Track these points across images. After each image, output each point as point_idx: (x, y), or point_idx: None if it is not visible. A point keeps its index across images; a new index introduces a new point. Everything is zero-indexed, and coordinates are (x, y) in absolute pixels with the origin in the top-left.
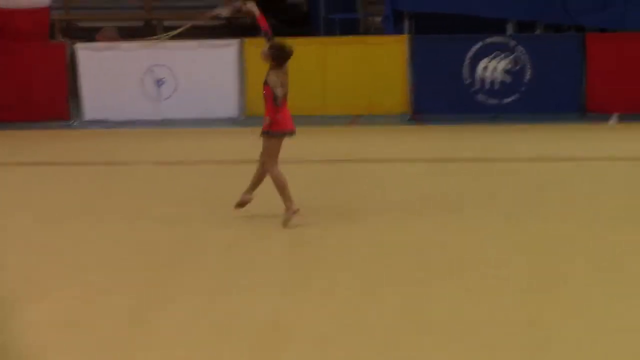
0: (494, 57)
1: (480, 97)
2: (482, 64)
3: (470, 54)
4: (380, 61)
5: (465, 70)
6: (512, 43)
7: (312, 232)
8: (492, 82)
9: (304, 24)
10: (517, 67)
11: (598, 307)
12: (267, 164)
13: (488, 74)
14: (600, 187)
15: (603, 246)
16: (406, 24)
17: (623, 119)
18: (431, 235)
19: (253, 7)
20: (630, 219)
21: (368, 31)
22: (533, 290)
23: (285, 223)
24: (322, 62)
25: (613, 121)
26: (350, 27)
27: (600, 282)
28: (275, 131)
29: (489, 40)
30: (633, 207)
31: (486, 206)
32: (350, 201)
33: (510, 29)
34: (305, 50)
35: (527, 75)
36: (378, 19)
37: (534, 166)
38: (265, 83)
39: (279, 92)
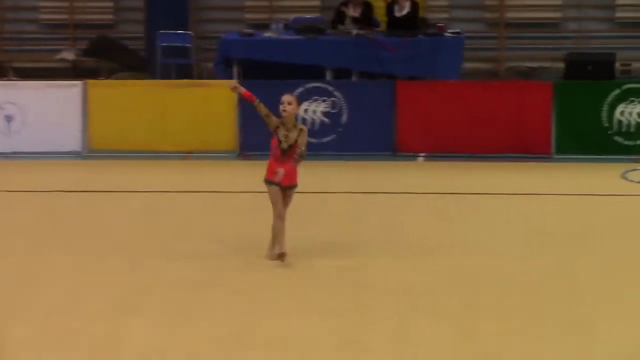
0: (314, 101)
1: None
2: (303, 106)
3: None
4: (212, 103)
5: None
6: (330, 88)
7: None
8: (312, 123)
9: (143, 69)
10: (335, 110)
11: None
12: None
13: (308, 115)
14: (406, 216)
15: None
16: (235, 70)
17: (430, 158)
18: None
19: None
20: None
21: (201, 76)
22: None
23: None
24: (160, 102)
25: (421, 160)
26: (184, 72)
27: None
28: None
29: (309, 85)
30: (432, 235)
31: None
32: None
33: (328, 75)
34: (144, 92)
35: (344, 117)
36: (210, 65)
37: (350, 197)
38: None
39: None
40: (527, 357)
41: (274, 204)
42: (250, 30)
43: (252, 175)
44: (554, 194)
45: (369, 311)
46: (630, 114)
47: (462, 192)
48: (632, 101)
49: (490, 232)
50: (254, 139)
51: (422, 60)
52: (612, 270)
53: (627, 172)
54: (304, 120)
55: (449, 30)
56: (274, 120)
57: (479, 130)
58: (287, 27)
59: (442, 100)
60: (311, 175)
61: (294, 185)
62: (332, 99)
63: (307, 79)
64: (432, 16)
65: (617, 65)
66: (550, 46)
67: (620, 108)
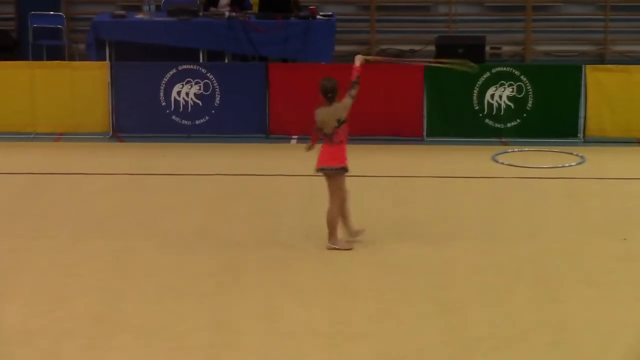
0: (187, 83)
1: (175, 118)
2: (176, 88)
3: (165, 79)
4: (84, 84)
5: (162, 94)
6: (203, 70)
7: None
8: (185, 105)
9: (13, 50)
10: (208, 92)
11: None
12: None
13: (182, 97)
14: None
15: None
16: (108, 51)
17: (302, 140)
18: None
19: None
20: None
21: (73, 57)
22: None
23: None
24: (31, 84)
25: (294, 142)
26: (56, 53)
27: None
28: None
29: (182, 67)
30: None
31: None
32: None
33: (202, 57)
34: (14, 74)
35: (217, 99)
36: (82, 46)
37: (217, 179)
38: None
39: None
40: None
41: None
42: (122, 12)
43: (126, 156)
44: (425, 177)
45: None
46: (501, 97)
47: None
48: (502, 84)
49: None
50: (127, 121)
51: (294, 42)
52: (478, 251)
53: (497, 154)
54: (176, 102)
55: (321, 13)
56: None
57: (351, 113)
58: (159, 8)
59: (315, 83)
60: (184, 158)
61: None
62: (205, 81)
63: (180, 61)
64: None
65: (487, 48)
66: (422, 29)
67: (490, 91)
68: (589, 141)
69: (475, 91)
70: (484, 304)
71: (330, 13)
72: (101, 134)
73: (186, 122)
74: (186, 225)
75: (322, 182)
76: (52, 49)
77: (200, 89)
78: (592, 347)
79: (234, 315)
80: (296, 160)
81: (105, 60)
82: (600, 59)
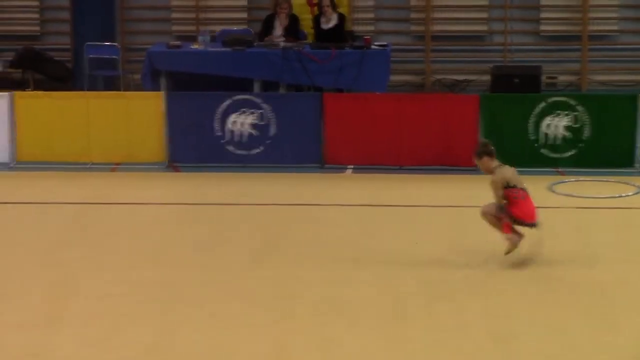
0: (242, 113)
1: (230, 148)
2: (231, 118)
3: (220, 109)
4: (139, 114)
5: (217, 124)
6: (258, 100)
7: None
8: (241, 135)
9: (69, 80)
10: (263, 123)
11: None
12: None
13: (237, 127)
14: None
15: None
16: (163, 82)
17: (357, 170)
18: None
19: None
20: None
21: (128, 87)
22: None
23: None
24: (86, 114)
25: (349, 172)
26: (111, 84)
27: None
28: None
29: (237, 97)
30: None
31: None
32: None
33: (256, 87)
34: (71, 104)
35: (272, 130)
36: (137, 77)
37: (272, 209)
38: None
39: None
40: None
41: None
42: (177, 42)
43: (181, 186)
44: (473, 206)
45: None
46: (557, 127)
47: (391, 204)
48: (558, 114)
49: (420, 243)
50: (182, 151)
51: (349, 72)
52: (534, 281)
53: (554, 184)
54: (232, 133)
55: (375, 43)
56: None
57: (407, 142)
58: (214, 39)
59: (370, 113)
60: (239, 187)
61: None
62: (260, 111)
63: (235, 91)
64: (358, 29)
65: (543, 78)
66: (477, 59)
67: (546, 121)
68: None
69: (530, 121)
70: (538, 334)
71: (385, 43)
72: (157, 163)
73: (241, 152)
74: (239, 255)
75: (374, 211)
76: (107, 79)
77: (255, 119)
78: None
79: (290, 344)
80: (350, 191)
81: (160, 90)
82: None
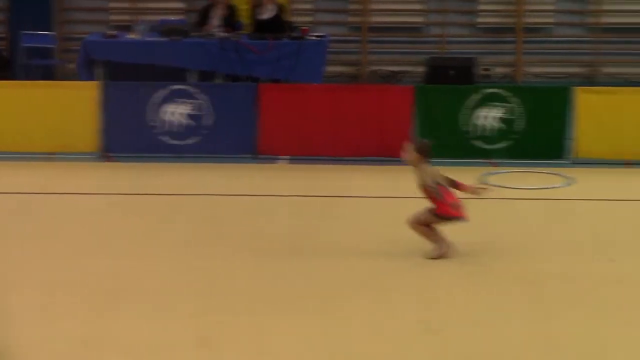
0: (177, 103)
1: (165, 139)
2: (166, 108)
3: (156, 99)
4: (74, 104)
5: (152, 114)
6: (194, 90)
7: None
8: (176, 125)
9: (5, 69)
10: (198, 113)
11: None
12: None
13: (172, 118)
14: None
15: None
16: (98, 71)
17: (292, 161)
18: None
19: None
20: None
21: (65, 77)
22: None
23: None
24: (21, 103)
25: (283, 162)
26: (47, 73)
27: None
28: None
29: (173, 87)
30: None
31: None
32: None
33: (193, 78)
34: (5, 93)
35: (207, 120)
36: (74, 66)
37: (206, 199)
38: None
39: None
40: None
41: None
42: (114, 32)
43: (116, 176)
44: (414, 197)
45: None
46: (490, 118)
47: (325, 195)
48: (492, 105)
49: (354, 235)
50: (117, 141)
51: (286, 63)
52: (465, 272)
53: (485, 175)
54: (167, 123)
55: (313, 34)
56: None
57: (341, 133)
58: (151, 29)
59: (305, 104)
60: (174, 178)
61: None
62: (196, 101)
63: (171, 81)
64: (296, 19)
65: (478, 70)
66: (413, 50)
67: (479, 112)
68: (577, 162)
69: (464, 112)
70: (469, 324)
71: (322, 34)
72: (92, 153)
73: (176, 142)
74: (174, 246)
75: (308, 202)
76: (43, 68)
77: (190, 109)
78: None
79: (220, 334)
80: (285, 181)
81: (95, 80)
82: (589, 81)
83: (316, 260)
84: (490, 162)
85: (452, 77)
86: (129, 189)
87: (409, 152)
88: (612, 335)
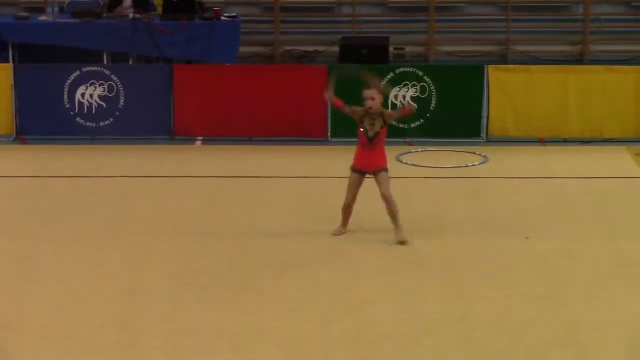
0: (91, 85)
1: (79, 120)
2: (80, 90)
3: (69, 81)
4: None
5: (66, 96)
6: (107, 72)
7: None
8: (90, 107)
9: None
10: (112, 94)
11: None
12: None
13: (86, 99)
14: (183, 201)
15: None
16: (10, 54)
17: (207, 142)
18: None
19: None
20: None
21: None
22: None
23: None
24: None
25: (198, 143)
26: None
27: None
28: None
29: (85, 69)
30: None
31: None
32: None
33: (106, 59)
34: None
35: (121, 101)
36: None
37: (122, 181)
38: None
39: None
40: None
41: (348, 189)
42: (25, 14)
43: (29, 159)
44: (331, 177)
45: None
46: (400, 97)
47: (242, 175)
48: (406, 84)
49: (272, 215)
50: (31, 123)
51: (199, 44)
52: (379, 251)
53: (401, 154)
54: (81, 105)
55: (225, 14)
56: (357, 112)
57: (256, 113)
58: (63, 10)
59: (219, 84)
60: (88, 159)
61: (384, 169)
62: (109, 82)
63: (84, 63)
64: (208, 0)
65: (391, 49)
66: (326, 30)
67: (393, 92)
68: (492, 141)
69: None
70: (388, 302)
71: (235, 14)
72: (5, 136)
73: (90, 124)
74: (90, 226)
75: (225, 183)
76: None
77: (104, 91)
78: (497, 344)
79: (139, 315)
80: (201, 162)
81: (8, 62)
82: (502, 59)
83: (233, 241)
84: (405, 141)
85: (365, 56)
86: (42, 172)
87: (375, 96)
88: (526, 311)
